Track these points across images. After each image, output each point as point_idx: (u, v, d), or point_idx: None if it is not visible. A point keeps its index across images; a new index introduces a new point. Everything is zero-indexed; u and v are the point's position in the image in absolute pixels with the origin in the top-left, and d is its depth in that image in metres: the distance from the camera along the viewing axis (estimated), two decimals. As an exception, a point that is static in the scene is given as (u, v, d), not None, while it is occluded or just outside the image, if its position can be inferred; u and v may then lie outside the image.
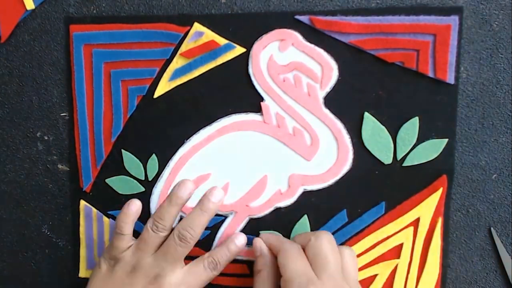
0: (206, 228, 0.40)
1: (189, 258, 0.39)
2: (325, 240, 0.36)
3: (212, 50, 0.39)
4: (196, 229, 0.38)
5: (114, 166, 0.42)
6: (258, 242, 0.39)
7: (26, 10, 0.41)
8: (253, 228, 0.41)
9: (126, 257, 0.38)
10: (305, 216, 0.40)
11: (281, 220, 0.41)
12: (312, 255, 0.35)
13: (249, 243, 0.40)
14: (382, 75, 0.38)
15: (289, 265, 0.35)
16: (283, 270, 0.35)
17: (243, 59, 0.39)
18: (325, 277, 0.34)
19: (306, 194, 0.40)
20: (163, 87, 0.40)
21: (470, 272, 0.40)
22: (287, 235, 0.41)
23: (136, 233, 0.42)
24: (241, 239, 0.40)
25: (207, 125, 0.40)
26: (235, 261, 0.40)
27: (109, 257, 0.39)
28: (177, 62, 0.40)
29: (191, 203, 0.40)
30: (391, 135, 0.39)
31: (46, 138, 0.43)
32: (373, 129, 0.39)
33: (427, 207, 0.39)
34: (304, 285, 0.33)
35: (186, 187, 0.39)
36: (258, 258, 0.38)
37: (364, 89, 0.39)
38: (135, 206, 0.39)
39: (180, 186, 0.39)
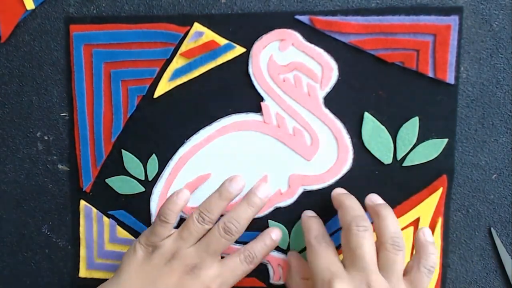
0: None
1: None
2: (357, 233, 0.34)
3: (212, 50, 0.39)
4: (241, 222, 0.37)
5: (114, 166, 0.42)
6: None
7: (26, 10, 0.41)
8: (253, 228, 0.41)
9: (166, 244, 0.37)
10: (305, 216, 0.40)
11: (281, 220, 0.41)
12: (343, 246, 0.35)
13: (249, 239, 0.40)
14: (382, 75, 0.38)
15: (314, 261, 0.35)
16: (310, 269, 0.35)
17: (243, 59, 0.39)
18: (354, 271, 0.33)
19: (306, 194, 0.40)
20: (163, 87, 0.40)
21: (470, 272, 0.40)
22: (287, 235, 0.41)
23: (136, 234, 0.42)
24: (277, 232, 0.40)
25: (207, 125, 0.40)
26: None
27: (146, 244, 0.38)
28: (177, 62, 0.40)
29: (192, 203, 0.40)
30: (391, 135, 0.39)
31: (46, 138, 0.43)
32: (373, 129, 0.39)
33: (427, 207, 0.39)
34: (327, 280, 0.33)
35: (237, 183, 0.39)
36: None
37: (364, 89, 0.39)
38: (184, 195, 0.39)
39: (232, 182, 0.39)
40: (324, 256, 0.35)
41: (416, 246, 0.36)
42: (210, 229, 0.38)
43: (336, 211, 0.38)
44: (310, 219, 0.38)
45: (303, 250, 0.41)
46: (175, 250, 0.37)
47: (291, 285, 0.40)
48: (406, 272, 0.35)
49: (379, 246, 0.35)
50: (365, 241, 0.34)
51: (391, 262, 0.34)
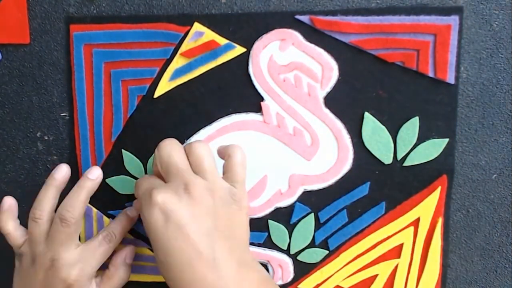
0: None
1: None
2: (164, 146, 0.35)
3: (212, 50, 0.39)
4: (75, 207, 0.38)
5: (114, 166, 0.42)
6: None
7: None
8: (253, 228, 0.41)
9: (24, 251, 0.39)
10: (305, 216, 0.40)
11: (281, 220, 0.41)
12: (159, 168, 0.36)
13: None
14: (382, 75, 0.38)
15: (137, 188, 0.36)
16: (136, 196, 0.36)
17: (243, 59, 0.39)
18: (171, 178, 0.34)
19: (306, 194, 0.40)
20: (163, 87, 0.40)
21: (470, 272, 0.40)
22: (287, 235, 0.41)
23: (136, 233, 0.42)
24: (132, 209, 0.40)
25: (207, 125, 0.40)
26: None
27: (15, 255, 0.40)
28: (177, 62, 0.40)
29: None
30: (391, 135, 0.39)
31: (46, 138, 0.42)
32: (373, 129, 0.39)
33: (427, 207, 0.39)
34: (148, 193, 0.33)
35: (61, 170, 0.40)
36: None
37: (364, 89, 0.39)
38: (5, 203, 0.40)
39: (57, 169, 0.40)
40: (145, 180, 0.36)
41: (221, 154, 0.38)
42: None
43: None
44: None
45: (303, 250, 0.41)
46: (32, 253, 0.38)
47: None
48: (223, 172, 0.36)
49: (187, 152, 0.36)
50: (173, 151, 0.35)
51: (199, 159, 0.35)
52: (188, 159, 0.35)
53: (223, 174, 0.36)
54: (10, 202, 0.40)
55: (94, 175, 0.39)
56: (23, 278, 0.39)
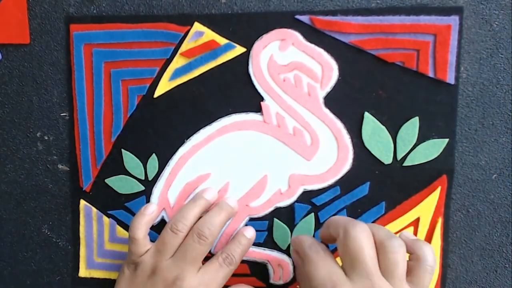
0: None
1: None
2: (354, 235, 0.32)
3: (212, 50, 0.39)
4: (214, 225, 0.37)
5: (114, 165, 0.42)
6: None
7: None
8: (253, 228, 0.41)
9: (145, 260, 0.38)
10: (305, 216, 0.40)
11: (281, 220, 0.41)
12: (341, 253, 0.33)
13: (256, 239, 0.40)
14: (382, 75, 0.38)
15: (312, 273, 0.33)
16: (310, 280, 0.33)
17: (243, 59, 0.39)
18: (356, 277, 0.32)
19: (306, 194, 0.40)
20: (163, 87, 0.40)
21: (470, 272, 0.40)
22: (287, 235, 0.41)
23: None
24: (250, 231, 0.40)
25: (207, 125, 0.40)
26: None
27: (129, 262, 0.39)
28: (177, 62, 0.40)
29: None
30: (391, 135, 0.39)
31: (46, 138, 0.42)
32: (373, 129, 0.39)
33: (427, 207, 0.39)
34: (329, 284, 0.32)
35: (211, 191, 0.40)
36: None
37: (364, 89, 0.39)
38: (151, 208, 0.39)
39: (206, 190, 0.40)
40: (323, 265, 0.33)
41: (409, 249, 0.35)
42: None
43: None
44: (299, 236, 0.37)
45: (303, 250, 0.41)
46: (154, 264, 0.37)
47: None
48: (407, 273, 0.33)
49: (378, 248, 0.33)
50: (365, 244, 0.32)
51: (393, 265, 0.32)
52: (377, 253, 0.32)
53: (406, 275, 0.33)
54: (153, 209, 0.40)
55: (233, 203, 0.39)
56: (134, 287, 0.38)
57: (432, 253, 0.33)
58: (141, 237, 0.38)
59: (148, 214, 0.39)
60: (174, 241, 0.37)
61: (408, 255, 0.34)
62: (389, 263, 0.32)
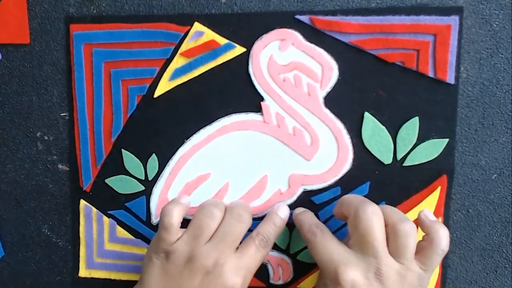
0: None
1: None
2: (365, 216, 0.33)
3: (212, 50, 0.39)
4: (247, 207, 0.38)
5: (114, 165, 0.42)
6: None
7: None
8: (253, 228, 0.41)
9: (178, 248, 0.35)
10: (305, 216, 0.40)
11: (281, 220, 0.41)
12: (351, 232, 0.34)
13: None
14: (382, 75, 0.38)
15: (316, 257, 0.35)
16: (317, 262, 0.35)
17: (243, 59, 0.39)
18: (363, 256, 0.32)
19: (306, 194, 0.40)
20: (163, 87, 0.40)
21: (470, 272, 0.40)
22: (287, 235, 0.41)
23: (136, 233, 0.42)
24: (284, 210, 0.39)
25: (207, 125, 0.40)
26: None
27: (158, 251, 0.36)
28: (177, 62, 0.40)
29: (192, 203, 0.40)
30: (391, 135, 0.39)
31: (46, 138, 0.42)
32: (373, 129, 0.39)
33: (427, 207, 0.39)
34: (333, 271, 0.32)
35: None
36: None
37: (364, 89, 0.39)
38: (182, 199, 0.39)
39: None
40: (323, 247, 0.34)
41: (424, 229, 0.35)
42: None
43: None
44: (300, 215, 0.38)
45: (303, 250, 0.41)
46: (190, 251, 0.35)
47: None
48: (417, 251, 0.34)
49: (390, 230, 0.33)
50: (375, 226, 0.33)
51: (404, 247, 0.32)
52: (387, 234, 0.33)
53: (415, 253, 0.33)
54: (188, 200, 0.39)
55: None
56: (170, 278, 0.35)
57: (447, 238, 0.34)
58: (176, 223, 0.36)
59: (183, 204, 0.38)
60: (212, 223, 0.36)
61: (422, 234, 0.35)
62: (399, 246, 0.33)
